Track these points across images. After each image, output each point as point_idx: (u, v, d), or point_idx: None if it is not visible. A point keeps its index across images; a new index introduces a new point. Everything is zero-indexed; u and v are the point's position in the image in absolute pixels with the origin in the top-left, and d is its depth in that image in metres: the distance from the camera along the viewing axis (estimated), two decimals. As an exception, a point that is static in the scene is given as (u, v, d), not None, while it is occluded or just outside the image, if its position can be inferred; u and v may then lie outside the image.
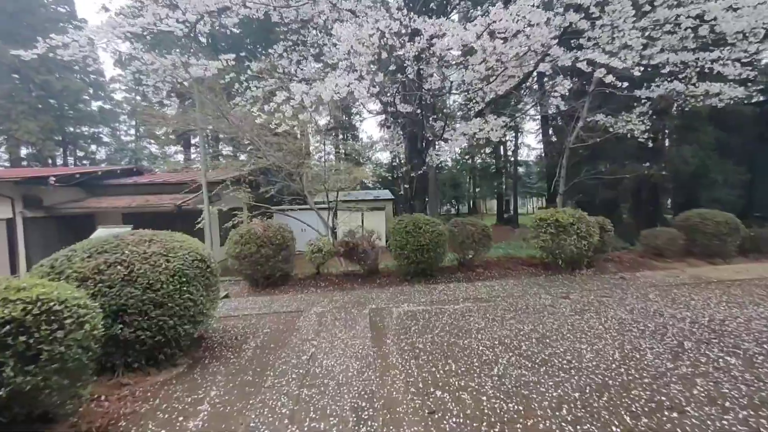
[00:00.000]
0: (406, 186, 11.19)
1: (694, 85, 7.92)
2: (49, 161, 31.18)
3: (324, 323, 5.57)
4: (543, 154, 19.46)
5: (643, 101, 9.15)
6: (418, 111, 8.94)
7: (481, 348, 4.38)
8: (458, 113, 8.53)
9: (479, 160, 36.77)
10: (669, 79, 8.30)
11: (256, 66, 7.91)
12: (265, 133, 8.64)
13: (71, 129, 33.32)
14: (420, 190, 11.92)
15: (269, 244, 7.60)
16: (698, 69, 8.01)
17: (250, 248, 7.48)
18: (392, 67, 8.47)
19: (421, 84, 7.74)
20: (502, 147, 29.56)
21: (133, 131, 40.24)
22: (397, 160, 13.01)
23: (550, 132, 18.01)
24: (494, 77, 6.97)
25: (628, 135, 10.12)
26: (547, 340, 4.53)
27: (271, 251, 7.58)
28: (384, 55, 6.49)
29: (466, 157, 32.27)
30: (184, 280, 4.11)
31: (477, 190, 41.17)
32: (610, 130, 10.58)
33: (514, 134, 26.10)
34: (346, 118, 31.24)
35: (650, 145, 11.16)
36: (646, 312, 5.51)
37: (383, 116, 30.17)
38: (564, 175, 11.67)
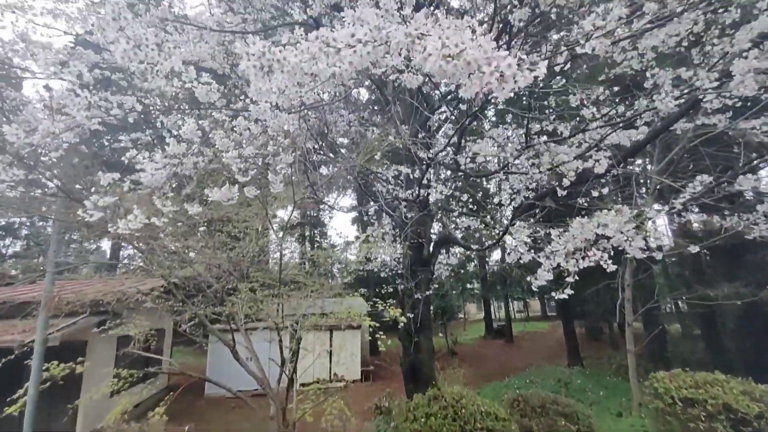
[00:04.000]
0: (409, 315, 7.07)
1: None
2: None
3: None
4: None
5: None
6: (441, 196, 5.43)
7: None
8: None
9: (454, 260, 33.65)
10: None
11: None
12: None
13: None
14: (425, 317, 7.86)
15: None
16: None
17: None
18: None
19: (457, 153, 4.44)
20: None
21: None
22: (384, 260, 8.95)
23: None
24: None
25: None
26: None
27: None
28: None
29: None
30: None
31: (454, 292, 36.95)
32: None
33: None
34: (314, 214, 27.92)
35: None
36: None
37: (356, 213, 27.14)
38: (631, 298, 8.18)
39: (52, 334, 6.73)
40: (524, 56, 0.91)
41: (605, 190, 4.00)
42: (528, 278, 3.57)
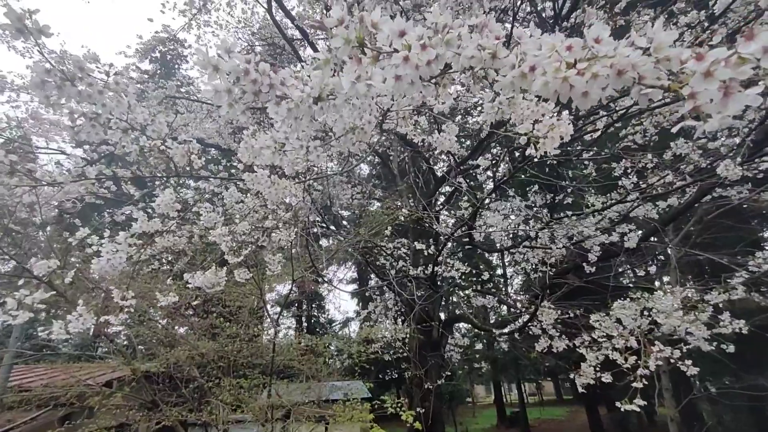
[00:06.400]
0: (419, 409, 6.10)
1: None
2: None
3: None
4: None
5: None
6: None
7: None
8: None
9: (458, 334, 31.29)
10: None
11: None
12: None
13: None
14: (437, 411, 6.83)
15: None
16: None
17: None
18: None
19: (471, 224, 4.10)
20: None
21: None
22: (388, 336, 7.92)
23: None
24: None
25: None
26: None
27: None
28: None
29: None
30: None
31: (460, 373, 33.65)
32: None
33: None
34: (311, 287, 26.77)
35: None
36: None
37: (356, 285, 26.10)
38: (669, 386, 7.22)
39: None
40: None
41: (653, 269, 3.55)
42: (572, 375, 2.95)
